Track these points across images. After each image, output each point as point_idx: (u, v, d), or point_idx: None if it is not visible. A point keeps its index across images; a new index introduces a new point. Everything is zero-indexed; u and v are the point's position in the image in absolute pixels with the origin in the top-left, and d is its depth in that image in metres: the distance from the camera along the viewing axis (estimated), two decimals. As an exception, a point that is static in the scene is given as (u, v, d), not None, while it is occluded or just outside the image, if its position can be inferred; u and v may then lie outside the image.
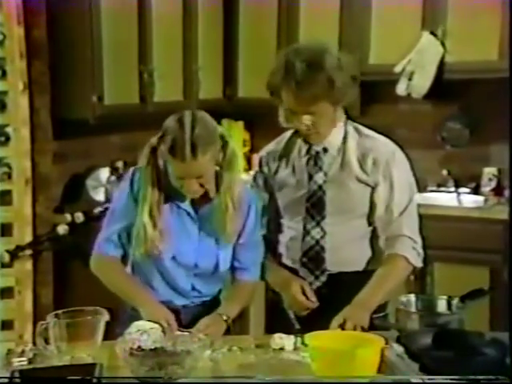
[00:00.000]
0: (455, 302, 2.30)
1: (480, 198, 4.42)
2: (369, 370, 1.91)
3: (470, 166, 4.61)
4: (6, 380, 1.83)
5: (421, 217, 2.54)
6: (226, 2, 4.74)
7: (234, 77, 4.83)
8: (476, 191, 4.55)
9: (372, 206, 2.48)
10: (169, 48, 4.35)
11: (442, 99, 4.55)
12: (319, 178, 2.49)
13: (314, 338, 2.02)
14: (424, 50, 4.27)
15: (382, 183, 2.46)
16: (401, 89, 4.38)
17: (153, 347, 1.99)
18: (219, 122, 2.58)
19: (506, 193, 4.41)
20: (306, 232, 2.50)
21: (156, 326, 2.19)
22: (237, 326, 2.46)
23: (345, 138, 2.49)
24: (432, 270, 4.04)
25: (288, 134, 2.57)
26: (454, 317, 2.25)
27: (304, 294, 2.45)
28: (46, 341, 2.03)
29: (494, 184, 4.52)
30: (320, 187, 2.49)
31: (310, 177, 2.50)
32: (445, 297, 2.34)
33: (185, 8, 4.43)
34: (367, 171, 2.46)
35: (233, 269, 2.48)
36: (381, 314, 2.44)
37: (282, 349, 2.19)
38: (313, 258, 2.50)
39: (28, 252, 3.88)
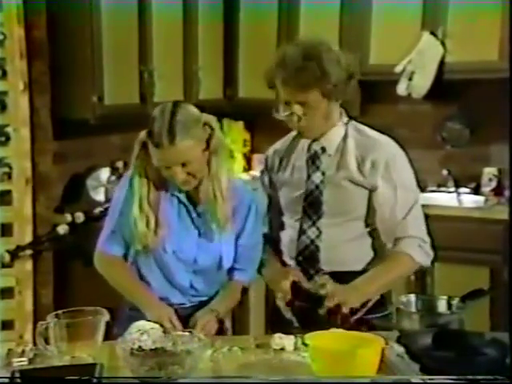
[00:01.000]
0: (455, 302, 2.30)
1: (480, 198, 4.42)
2: (369, 370, 1.91)
3: (470, 166, 4.62)
4: (6, 380, 1.83)
5: (422, 217, 2.54)
6: (226, 2, 4.75)
7: (234, 77, 4.83)
8: (476, 191, 4.55)
9: (370, 208, 2.46)
10: (169, 48, 4.35)
11: (442, 99, 4.56)
12: (316, 177, 2.49)
13: (314, 337, 2.02)
14: (424, 50, 4.28)
15: (383, 186, 2.43)
16: (401, 89, 4.38)
17: (153, 347, 1.99)
18: (219, 122, 2.57)
19: (506, 193, 4.42)
20: (302, 231, 2.50)
21: (156, 326, 2.19)
22: (236, 325, 2.45)
23: (345, 139, 2.48)
24: (432, 270, 4.02)
25: (293, 133, 2.56)
26: (454, 317, 2.25)
27: (295, 287, 2.42)
28: (46, 341, 2.03)
29: (494, 184, 4.52)
30: (317, 187, 2.48)
31: (309, 176, 2.50)
32: (445, 297, 2.33)
33: (185, 8, 4.44)
34: (365, 173, 2.43)
35: (229, 268, 2.47)
36: (381, 314, 2.45)
37: (282, 349, 2.18)
38: (308, 257, 2.49)
39: (28, 252, 3.87)
